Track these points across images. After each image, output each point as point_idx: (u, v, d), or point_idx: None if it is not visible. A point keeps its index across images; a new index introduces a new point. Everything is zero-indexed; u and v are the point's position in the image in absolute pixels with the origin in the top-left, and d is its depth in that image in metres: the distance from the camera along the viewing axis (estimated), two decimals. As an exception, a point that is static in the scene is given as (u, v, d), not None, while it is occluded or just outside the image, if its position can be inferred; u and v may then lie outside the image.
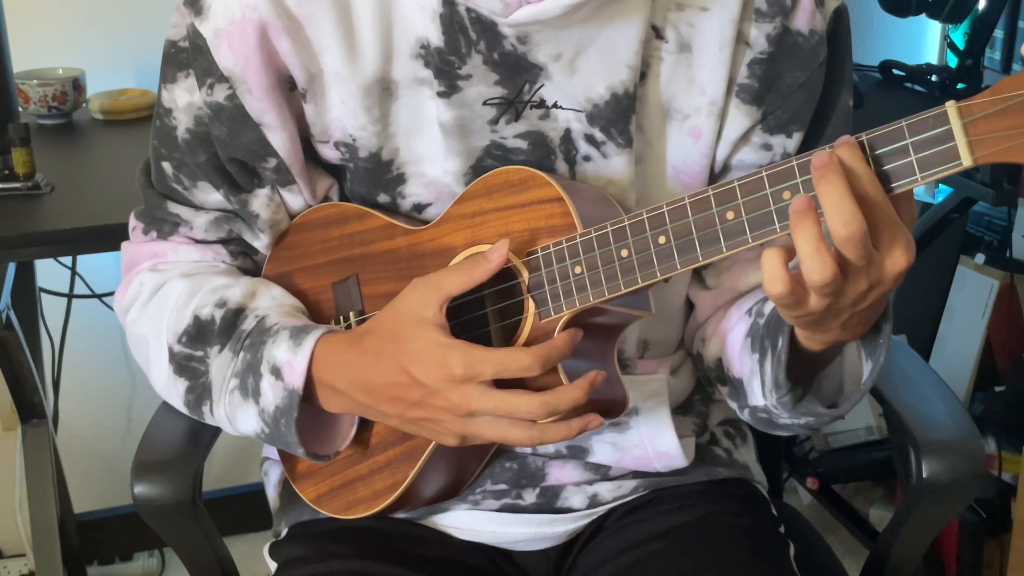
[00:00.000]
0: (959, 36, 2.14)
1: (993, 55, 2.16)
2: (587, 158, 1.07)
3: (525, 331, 0.99)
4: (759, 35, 1.05)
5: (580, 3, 0.97)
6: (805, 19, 1.05)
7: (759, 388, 1.04)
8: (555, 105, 1.04)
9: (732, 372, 1.10)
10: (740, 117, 1.08)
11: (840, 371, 1.03)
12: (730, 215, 0.89)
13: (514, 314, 1.01)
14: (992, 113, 0.79)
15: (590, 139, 1.06)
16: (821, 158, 0.83)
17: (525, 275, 0.99)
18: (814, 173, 0.83)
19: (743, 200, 0.88)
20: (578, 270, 0.96)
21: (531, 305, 0.99)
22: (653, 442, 1.12)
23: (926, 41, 2.54)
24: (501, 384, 0.96)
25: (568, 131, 1.06)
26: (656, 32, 1.04)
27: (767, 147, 1.09)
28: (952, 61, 2.18)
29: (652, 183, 1.09)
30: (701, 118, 1.07)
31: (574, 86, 1.04)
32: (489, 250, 0.98)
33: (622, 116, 1.04)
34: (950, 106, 0.80)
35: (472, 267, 0.98)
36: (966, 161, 0.80)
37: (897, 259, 0.85)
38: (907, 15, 2.12)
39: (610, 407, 1.01)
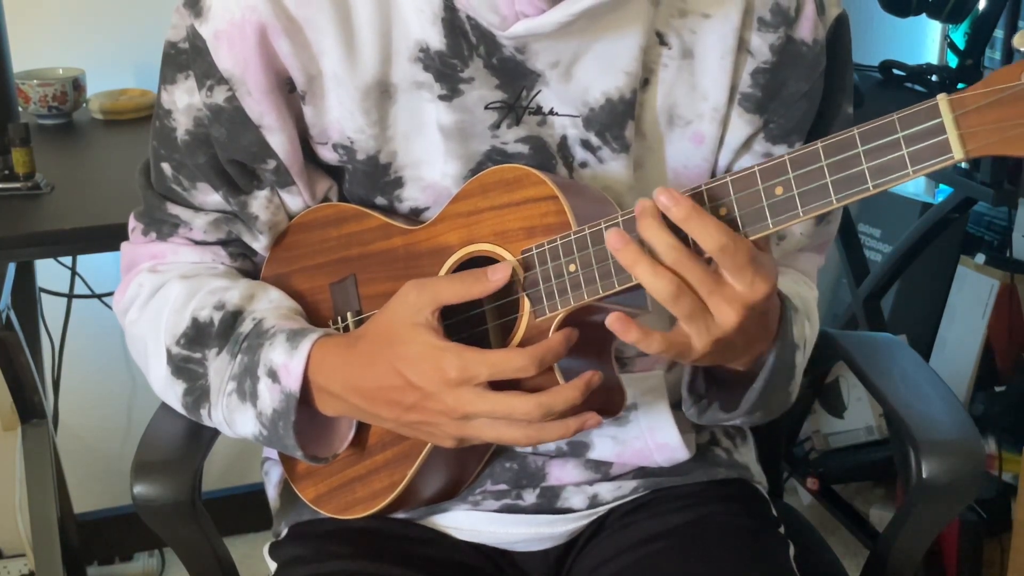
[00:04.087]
0: (959, 36, 2.14)
1: (993, 55, 2.16)
2: (584, 164, 1.07)
3: (520, 330, 0.99)
4: (762, 44, 1.05)
5: (574, 19, 0.98)
6: (809, 28, 1.05)
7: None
8: (551, 112, 1.05)
9: None
10: (742, 125, 1.08)
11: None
12: (722, 211, 0.89)
13: (511, 312, 1.01)
14: (984, 105, 0.78)
15: (586, 144, 1.06)
16: (640, 205, 0.90)
17: (520, 274, 0.99)
18: (636, 221, 0.90)
19: (736, 196, 0.88)
20: (572, 268, 0.96)
21: (526, 304, 0.99)
22: (653, 434, 1.13)
23: (926, 41, 2.54)
24: (497, 385, 0.96)
25: (564, 138, 1.06)
26: (660, 38, 1.05)
27: (769, 156, 1.09)
28: (952, 61, 2.18)
29: (653, 188, 1.08)
30: (704, 124, 1.07)
31: (570, 91, 1.04)
32: (491, 270, 0.98)
33: (617, 121, 1.05)
34: (941, 99, 0.80)
35: (472, 281, 0.98)
36: (957, 154, 0.80)
37: (758, 287, 0.89)
38: (907, 15, 2.12)
39: (607, 405, 1.01)
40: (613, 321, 0.90)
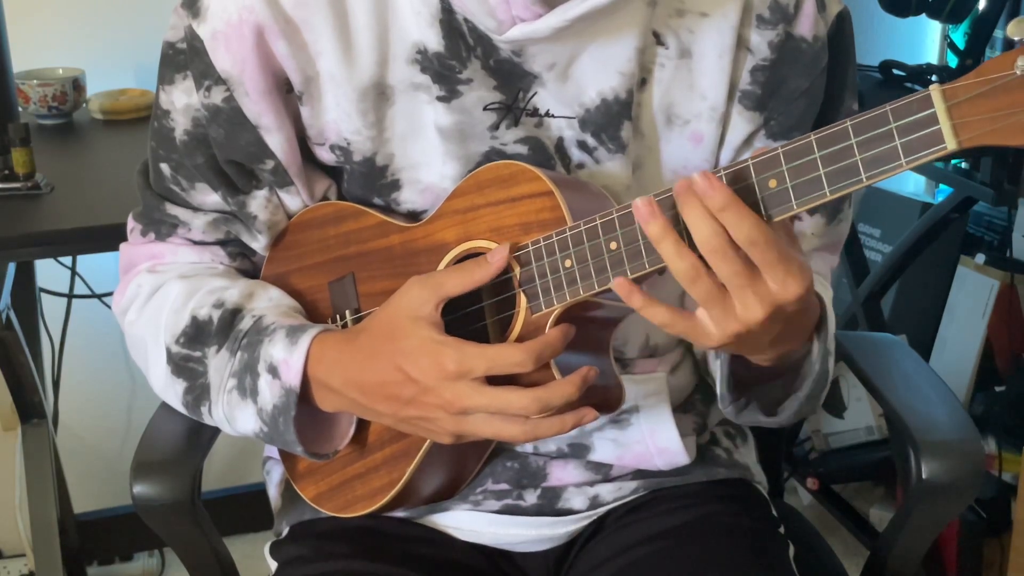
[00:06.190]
0: (959, 36, 2.14)
1: (993, 55, 2.16)
2: (580, 165, 1.07)
3: (517, 326, 1.00)
4: (761, 41, 1.05)
5: (570, 24, 0.98)
6: (808, 25, 1.05)
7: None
8: (547, 114, 1.05)
9: (711, 372, 1.10)
10: (743, 123, 1.08)
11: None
12: None
13: (508, 308, 1.01)
14: (976, 95, 0.78)
15: (582, 145, 1.06)
16: (682, 185, 0.87)
17: (516, 270, 0.99)
18: (676, 199, 0.87)
19: (731, 189, 0.88)
20: (568, 264, 0.96)
21: (522, 300, 0.99)
22: (654, 438, 1.12)
23: (926, 41, 2.54)
24: (494, 381, 0.96)
25: (561, 139, 1.06)
26: (657, 39, 1.05)
27: None
28: (952, 61, 2.18)
29: (652, 188, 1.08)
30: (702, 123, 1.07)
31: (566, 92, 1.04)
32: (490, 253, 0.98)
33: (612, 121, 1.05)
34: (934, 89, 0.80)
35: (472, 269, 0.98)
36: (950, 144, 0.79)
37: (790, 287, 0.87)
38: (907, 15, 2.12)
39: (605, 402, 1.01)
40: (618, 284, 0.88)
